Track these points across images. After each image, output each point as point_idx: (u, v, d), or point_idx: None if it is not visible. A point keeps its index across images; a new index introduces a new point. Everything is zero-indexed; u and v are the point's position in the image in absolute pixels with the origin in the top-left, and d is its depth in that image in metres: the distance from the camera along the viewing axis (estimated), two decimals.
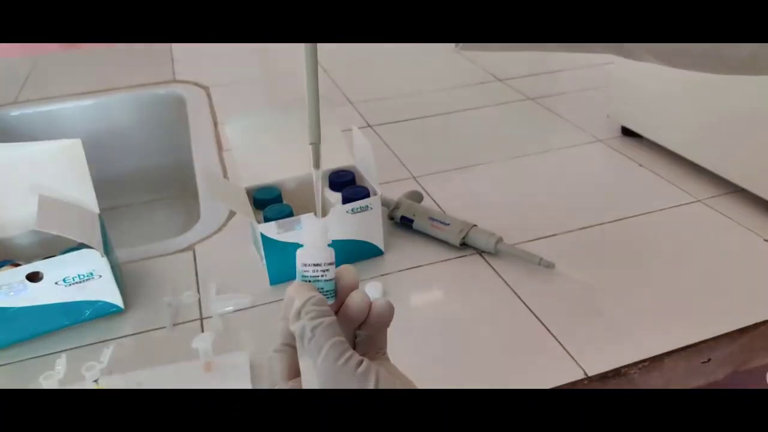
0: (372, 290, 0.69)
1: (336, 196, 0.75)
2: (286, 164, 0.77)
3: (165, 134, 1.32)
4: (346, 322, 0.37)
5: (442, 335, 0.64)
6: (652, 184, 0.90)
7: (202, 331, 0.66)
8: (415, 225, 0.79)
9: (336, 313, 0.37)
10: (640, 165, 0.95)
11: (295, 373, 0.37)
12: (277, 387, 0.37)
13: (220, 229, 0.84)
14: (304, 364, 0.35)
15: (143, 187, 1.34)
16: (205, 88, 1.31)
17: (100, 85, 1.33)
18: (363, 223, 0.72)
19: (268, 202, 0.73)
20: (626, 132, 1.03)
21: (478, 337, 0.64)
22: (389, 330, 0.39)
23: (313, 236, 0.37)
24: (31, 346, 0.65)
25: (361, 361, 0.33)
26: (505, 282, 0.71)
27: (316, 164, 0.45)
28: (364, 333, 0.38)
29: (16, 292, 0.63)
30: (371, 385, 0.33)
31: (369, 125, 1.12)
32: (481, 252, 0.76)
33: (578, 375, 0.58)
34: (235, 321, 0.67)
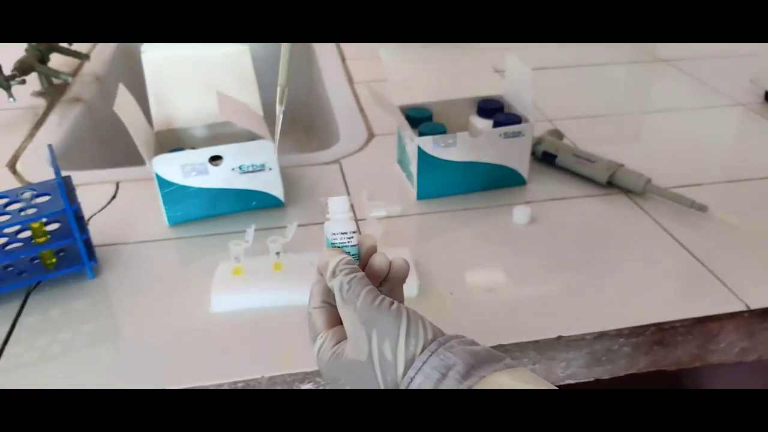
0: (520, 213, 0.72)
1: (483, 123, 0.78)
2: (436, 88, 0.80)
3: (293, 74, 1.37)
4: (370, 279, 0.42)
5: (589, 265, 0.66)
6: None
7: (359, 232, 0.71)
8: (558, 161, 0.81)
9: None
10: None
11: (333, 324, 0.43)
12: (319, 336, 0.43)
13: (361, 149, 0.89)
14: (345, 312, 0.41)
15: (268, 123, 1.40)
16: None
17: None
18: (512, 149, 0.75)
19: (421, 121, 0.77)
20: None
21: (629, 270, 0.65)
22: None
23: (339, 209, 0.45)
24: (204, 226, 0.71)
25: (393, 302, 0.39)
26: (656, 221, 0.72)
27: (281, 101, 0.65)
28: (385, 288, 0.44)
29: (198, 172, 0.69)
30: (403, 318, 0.38)
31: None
32: (627, 192, 0.77)
33: (739, 307, 0.60)
34: (388, 226, 0.72)
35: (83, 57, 1.12)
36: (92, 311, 0.60)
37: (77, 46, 1.13)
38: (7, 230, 0.62)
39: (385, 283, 0.44)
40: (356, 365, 0.39)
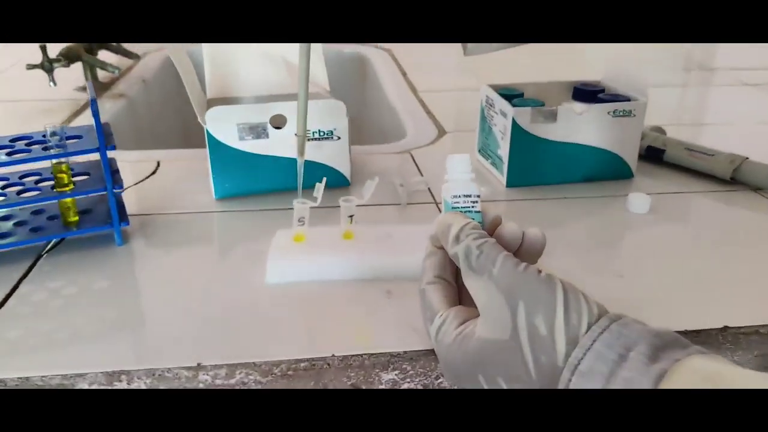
0: (638, 201, 0.60)
1: (582, 107, 0.67)
2: (524, 71, 0.70)
3: (351, 89, 1.30)
4: None
5: (718, 264, 0.53)
6: None
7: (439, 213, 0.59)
8: (666, 156, 0.69)
9: None
10: None
11: (452, 302, 0.37)
12: (438, 315, 0.36)
13: (432, 143, 0.78)
14: (476, 282, 0.34)
15: None
16: (387, 50, 1.29)
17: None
18: (621, 132, 0.64)
19: (513, 98, 0.66)
20: None
21: (747, 270, 0.52)
22: None
23: (460, 169, 0.39)
24: (255, 202, 0.60)
25: (540, 270, 0.32)
26: None
27: (301, 152, 0.52)
28: None
29: (256, 135, 0.59)
30: (559, 287, 0.31)
31: None
32: (755, 188, 0.65)
33: None
34: None
35: (134, 57, 1.05)
36: (116, 284, 0.48)
37: (128, 45, 1.07)
38: (26, 178, 0.51)
39: (516, 256, 0.35)
40: (494, 345, 0.32)
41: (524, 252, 0.37)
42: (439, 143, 0.78)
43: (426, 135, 0.81)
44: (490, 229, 0.38)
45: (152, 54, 1.19)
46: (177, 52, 0.60)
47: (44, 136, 0.49)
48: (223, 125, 0.58)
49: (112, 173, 0.50)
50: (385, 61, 1.22)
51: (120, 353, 0.40)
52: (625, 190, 0.64)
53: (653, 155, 0.70)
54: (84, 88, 0.97)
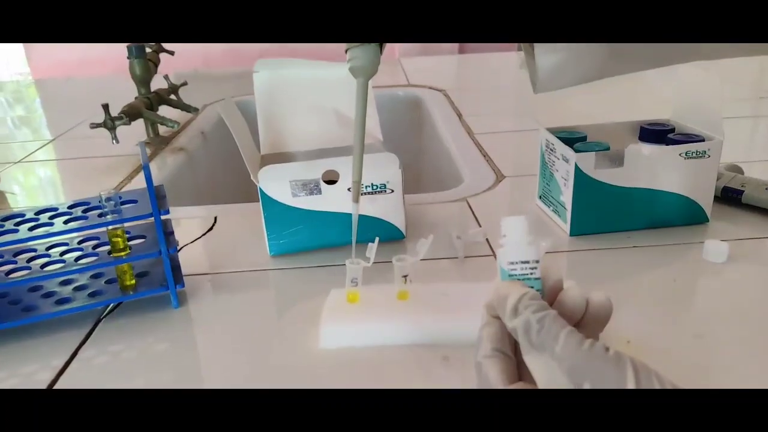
0: (715, 249, 0.55)
1: (650, 149, 0.63)
2: (589, 112, 0.67)
3: (406, 133, 1.29)
4: None
5: None
6: None
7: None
8: (745, 197, 0.64)
9: None
10: None
11: (511, 377, 0.34)
12: None
13: (490, 189, 0.76)
14: (536, 359, 0.31)
15: None
16: (442, 91, 1.28)
17: None
18: (694, 175, 0.60)
19: (575, 141, 0.63)
20: None
21: None
22: None
23: (518, 233, 0.36)
24: (310, 258, 0.59)
25: (608, 347, 0.30)
26: None
27: (356, 198, 0.49)
28: None
29: (309, 191, 0.58)
30: (629, 367, 0.29)
31: None
32: None
33: None
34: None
35: (193, 110, 1.08)
36: (173, 347, 0.48)
37: (187, 100, 1.10)
38: (84, 243, 0.52)
39: (579, 327, 0.33)
40: None
41: (589, 320, 0.35)
42: (498, 189, 0.76)
43: (484, 180, 0.79)
44: (551, 295, 0.35)
45: (211, 106, 1.23)
46: (228, 108, 0.61)
47: (100, 201, 0.50)
48: (275, 183, 0.57)
49: (166, 235, 0.50)
50: (440, 102, 1.21)
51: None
52: (700, 236, 0.59)
53: (730, 197, 0.65)
54: (146, 143, 1.00)
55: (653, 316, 0.48)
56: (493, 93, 1.29)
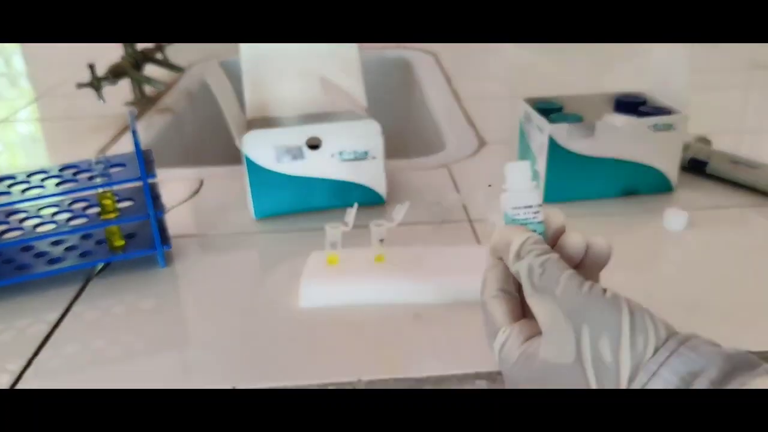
0: (674, 218, 0.58)
1: (623, 120, 0.66)
2: (568, 83, 0.69)
3: (392, 95, 1.30)
4: None
5: (755, 282, 0.52)
6: None
7: (474, 233, 0.59)
8: (709, 168, 0.67)
9: None
10: None
11: (516, 316, 0.36)
12: (501, 331, 0.35)
13: (472, 156, 0.78)
14: (538, 302, 0.33)
15: None
16: (433, 53, 1.28)
17: None
18: (661, 146, 0.62)
19: (552, 112, 0.65)
20: None
21: None
22: None
23: (520, 178, 0.37)
24: (294, 221, 0.62)
25: (605, 289, 0.31)
26: None
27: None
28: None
29: (292, 156, 0.60)
30: (625, 309, 0.30)
31: None
32: None
33: None
34: None
35: (178, 69, 1.08)
36: (160, 305, 0.50)
37: (173, 59, 1.10)
38: (75, 205, 0.54)
39: (579, 268, 0.35)
40: (557, 370, 0.31)
41: (589, 263, 0.36)
42: (479, 156, 0.78)
43: (466, 147, 0.81)
44: (553, 239, 0.36)
45: (197, 65, 1.23)
46: (213, 72, 0.62)
47: (90, 165, 0.52)
48: (259, 148, 0.59)
49: (154, 199, 0.53)
50: (429, 66, 1.22)
51: (165, 372, 0.43)
52: (665, 204, 0.62)
53: (697, 167, 0.68)
54: (132, 103, 1.01)
55: (612, 280, 0.52)
56: (485, 55, 1.29)
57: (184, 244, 0.58)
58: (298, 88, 0.69)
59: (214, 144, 1.10)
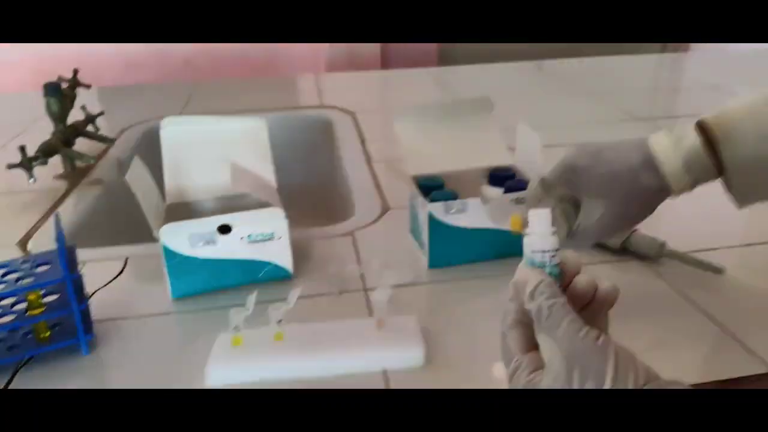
0: None
1: (495, 191, 0.76)
2: (449, 157, 0.79)
3: (310, 154, 1.39)
4: (571, 303, 0.39)
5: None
6: None
7: (367, 303, 0.68)
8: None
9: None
10: None
11: (529, 347, 0.41)
12: (514, 360, 0.41)
13: (375, 222, 0.87)
14: (543, 339, 0.39)
15: (284, 203, 1.41)
16: (351, 113, 1.38)
17: (252, 107, 1.43)
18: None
19: (433, 189, 0.75)
20: None
21: (648, 335, 0.61)
22: None
23: (540, 225, 0.42)
24: (209, 299, 0.69)
25: (600, 335, 0.36)
26: (672, 286, 0.68)
27: None
28: (584, 314, 0.40)
29: (205, 242, 0.68)
30: (611, 356, 0.35)
31: None
32: (642, 257, 0.74)
33: (761, 369, 0.56)
34: (397, 295, 0.68)
35: (108, 141, 1.15)
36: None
37: (104, 130, 1.16)
38: (2, 301, 0.60)
39: (588, 307, 0.41)
40: None
41: (597, 303, 0.41)
42: (381, 222, 0.87)
43: (371, 212, 0.90)
44: (568, 279, 0.41)
45: (127, 132, 1.29)
46: (134, 169, 0.69)
47: (17, 265, 0.59)
48: (175, 237, 0.67)
49: (77, 292, 0.59)
50: (347, 125, 1.31)
51: None
52: None
53: None
54: (62, 176, 1.07)
55: (478, 339, 0.61)
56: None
57: (107, 329, 0.64)
58: (212, 174, 0.77)
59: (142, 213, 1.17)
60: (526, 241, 0.43)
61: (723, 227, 0.81)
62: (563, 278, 0.42)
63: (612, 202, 0.52)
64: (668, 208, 0.87)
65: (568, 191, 0.55)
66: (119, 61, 2.76)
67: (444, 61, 2.70)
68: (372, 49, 2.63)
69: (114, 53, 2.70)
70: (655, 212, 0.73)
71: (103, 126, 1.18)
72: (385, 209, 0.91)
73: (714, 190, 0.85)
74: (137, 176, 0.68)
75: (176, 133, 0.76)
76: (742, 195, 0.55)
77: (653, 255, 0.73)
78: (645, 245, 0.73)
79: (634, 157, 0.54)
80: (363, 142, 1.21)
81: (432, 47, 2.72)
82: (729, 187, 0.54)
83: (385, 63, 2.65)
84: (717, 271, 0.69)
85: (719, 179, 0.55)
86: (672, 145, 0.53)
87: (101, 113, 1.16)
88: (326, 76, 1.83)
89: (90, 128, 1.14)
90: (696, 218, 0.83)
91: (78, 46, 2.66)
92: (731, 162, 0.51)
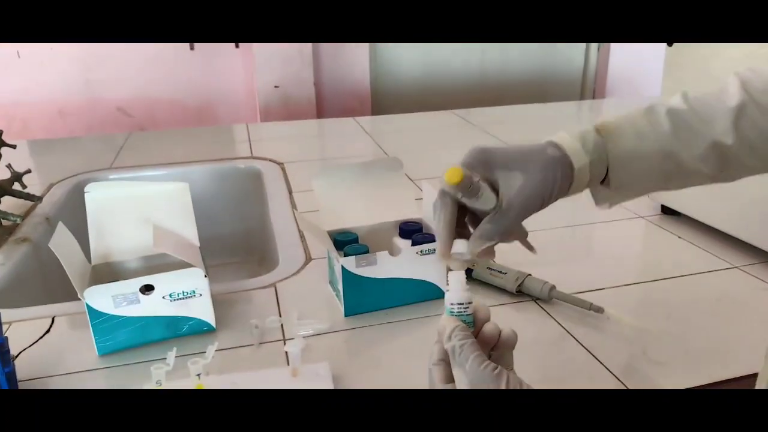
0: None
1: (404, 243, 0.84)
2: (362, 213, 0.87)
3: (241, 204, 1.44)
4: (482, 345, 0.51)
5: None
6: (691, 252, 0.97)
7: (285, 353, 0.73)
8: (474, 274, 0.87)
9: (475, 338, 0.51)
10: (680, 237, 1.02)
11: (449, 379, 0.51)
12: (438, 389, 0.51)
13: (297, 272, 0.93)
14: (457, 372, 0.50)
15: (215, 252, 1.46)
16: (280, 164, 1.45)
17: (185, 158, 1.48)
18: (429, 265, 0.81)
19: (347, 243, 0.82)
20: (666, 210, 1.10)
21: (537, 373, 0.69)
22: None
23: (457, 284, 0.54)
24: (133, 354, 0.73)
25: (496, 367, 0.48)
26: (560, 324, 0.77)
27: None
28: (495, 353, 0.53)
29: (128, 302, 0.72)
30: (503, 384, 0.47)
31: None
32: (535, 299, 0.83)
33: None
34: (314, 343, 0.75)
35: (35, 199, 1.17)
36: None
37: (31, 188, 1.18)
38: None
39: (496, 349, 0.53)
40: None
41: (501, 345, 0.53)
42: (303, 272, 0.93)
43: (295, 262, 0.96)
44: (479, 325, 0.53)
45: (55, 187, 1.31)
46: (59, 235, 0.73)
47: None
48: (99, 299, 0.71)
49: (2, 354, 0.63)
50: (276, 176, 1.37)
51: None
52: (439, 309, 0.80)
53: (466, 273, 0.87)
54: None
55: (389, 384, 0.68)
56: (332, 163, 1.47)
57: (34, 388, 0.68)
58: (136, 234, 0.82)
59: None
60: (446, 296, 0.54)
61: (604, 270, 0.92)
62: (476, 324, 0.53)
63: (529, 169, 0.56)
64: (557, 253, 0.97)
65: (483, 172, 0.58)
66: (52, 108, 2.75)
67: (377, 110, 2.82)
68: (308, 96, 2.72)
69: (47, 101, 2.70)
70: (546, 258, 0.82)
71: (33, 180, 1.20)
72: (308, 259, 0.97)
73: (597, 238, 0.96)
74: (62, 242, 0.72)
75: (100, 198, 0.81)
76: (617, 190, 0.61)
77: (545, 297, 0.82)
78: (537, 288, 0.82)
79: (539, 143, 0.60)
80: (290, 192, 1.28)
81: (366, 96, 2.83)
82: (609, 181, 0.60)
83: (321, 112, 2.74)
84: (598, 310, 0.78)
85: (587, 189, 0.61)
86: (570, 135, 0.59)
87: (28, 171, 1.19)
88: (260, 126, 1.89)
89: (16, 186, 1.16)
90: (580, 263, 0.94)
91: (11, 94, 2.65)
92: (614, 155, 0.59)
